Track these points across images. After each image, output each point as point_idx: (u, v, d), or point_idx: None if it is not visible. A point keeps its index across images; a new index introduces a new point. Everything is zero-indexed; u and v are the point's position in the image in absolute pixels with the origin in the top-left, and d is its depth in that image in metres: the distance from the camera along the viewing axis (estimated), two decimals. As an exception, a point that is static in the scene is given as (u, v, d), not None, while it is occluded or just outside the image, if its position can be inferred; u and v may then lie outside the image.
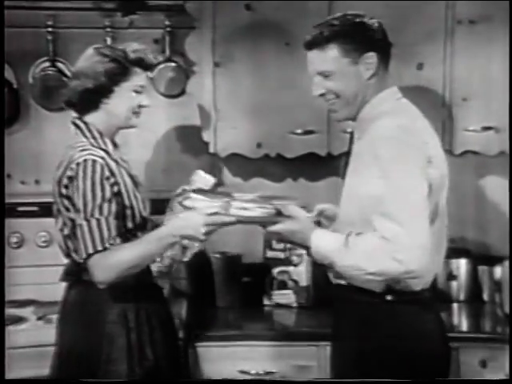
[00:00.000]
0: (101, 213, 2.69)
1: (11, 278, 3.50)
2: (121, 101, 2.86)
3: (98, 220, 2.68)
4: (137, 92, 2.88)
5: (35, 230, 3.69)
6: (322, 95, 2.66)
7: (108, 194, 2.72)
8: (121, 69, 2.83)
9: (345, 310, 2.67)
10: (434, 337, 2.65)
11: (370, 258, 2.47)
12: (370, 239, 2.48)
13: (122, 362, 2.77)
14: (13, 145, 3.69)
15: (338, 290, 2.67)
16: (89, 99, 2.85)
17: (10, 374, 2.86)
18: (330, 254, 2.55)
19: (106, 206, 2.70)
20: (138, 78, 2.88)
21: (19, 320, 3.43)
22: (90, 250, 2.66)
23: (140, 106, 2.91)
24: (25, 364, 3.12)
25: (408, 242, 2.42)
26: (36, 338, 3.19)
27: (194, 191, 2.78)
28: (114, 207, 2.73)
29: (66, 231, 2.81)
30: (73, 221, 2.76)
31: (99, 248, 2.66)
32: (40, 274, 3.56)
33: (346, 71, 2.59)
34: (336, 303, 2.72)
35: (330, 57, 2.59)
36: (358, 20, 2.61)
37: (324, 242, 2.57)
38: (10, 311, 3.43)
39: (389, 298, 2.57)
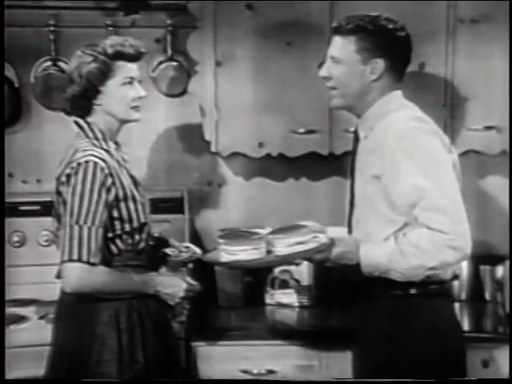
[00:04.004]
0: (93, 222, 2.68)
1: (12, 277, 3.50)
2: (113, 99, 2.82)
3: (90, 228, 2.67)
4: (126, 85, 2.82)
5: (37, 229, 3.68)
6: (325, 78, 2.73)
7: (104, 201, 2.71)
8: (102, 67, 2.79)
9: (368, 306, 2.72)
10: (458, 329, 2.79)
11: (428, 254, 2.55)
12: (421, 236, 2.56)
13: (112, 363, 2.76)
14: (14, 144, 3.70)
15: (361, 286, 2.73)
16: (80, 105, 2.83)
17: (10, 374, 2.86)
18: (384, 263, 2.61)
19: (99, 214, 2.69)
20: (124, 71, 2.82)
21: (20, 319, 3.43)
22: (75, 257, 2.65)
23: (137, 98, 2.86)
24: (26, 363, 3.12)
25: (458, 227, 2.54)
26: (37, 337, 3.18)
27: (221, 241, 2.71)
28: (105, 216, 2.73)
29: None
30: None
31: (84, 258, 2.65)
32: (41, 273, 3.55)
33: (353, 67, 2.67)
34: (359, 299, 2.78)
35: (344, 47, 2.67)
36: (384, 24, 2.67)
37: (375, 255, 2.63)
38: (11, 310, 3.43)
39: (413, 291, 2.64)
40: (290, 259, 2.73)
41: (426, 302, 2.65)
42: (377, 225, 2.66)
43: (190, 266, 3.14)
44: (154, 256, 2.95)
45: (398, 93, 2.74)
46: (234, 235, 2.75)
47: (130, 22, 3.73)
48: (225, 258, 2.68)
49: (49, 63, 3.76)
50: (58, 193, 2.80)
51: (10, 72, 3.74)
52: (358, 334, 2.82)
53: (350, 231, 2.81)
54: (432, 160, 2.58)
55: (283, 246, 2.61)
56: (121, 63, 2.82)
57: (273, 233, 2.69)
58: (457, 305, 3.69)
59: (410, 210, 2.57)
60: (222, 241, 2.72)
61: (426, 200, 2.54)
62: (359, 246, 2.65)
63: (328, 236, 2.66)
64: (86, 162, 2.71)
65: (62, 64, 3.74)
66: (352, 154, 2.78)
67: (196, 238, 3.80)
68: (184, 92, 3.81)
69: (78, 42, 3.53)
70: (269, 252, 2.64)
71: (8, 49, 3.43)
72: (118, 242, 2.81)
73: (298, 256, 2.67)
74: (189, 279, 2.89)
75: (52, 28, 3.72)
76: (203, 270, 3.38)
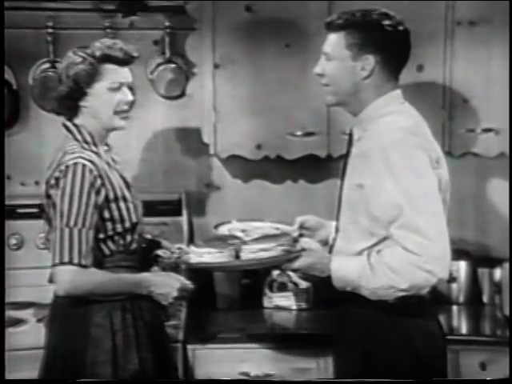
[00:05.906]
0: (83, 224, 2.67)
1: (11, 280, 3.50)
2: (98, 102, 2.80)
3: (80, 231, 2.66)
4: (114, 90, 2.80)
5: (35, 231, 3.67)
6: (318, 75, 2.68)
7: (94, 203, 2.70)
8: (89, 69, 2.77)
9: (347, 313, 2.67)
10: (436, 340, 2.66)
11: (399, 275, 2.47)
12: (395, 255, 2.48)
13: (107, 365, 2.75)
14: (13, 146, 3.69)
15: (340, 293, 2.66)
16: (67, 105, 2.82)
17: (9, 376, 2.85)
18: (354, 279, 2.55)
19: (89, 216, 2.68)
20: (113, 75, 2.79)
21: (19, 322, 3.43)
22: (66, 259, 2.65)
23: (123, 103, 2.83)
24: (23, 366, 3.11)
25: (434, 251, 2.44)
26: (35, 340, 3.17)
27: (196, 245, 2.81)
28: (95, 218, 2.72)
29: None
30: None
31: (75, 261, 2.65)
32: (40, 276, 3.51)
33: (344, 63, 2.61)
34: (338, 306, 2.72)
35: (336, 43, 2.62)
36: (376, 19, 2.60)
37: (346, 269, 2.57)
38: (9, 313, 3.43)
39: (390, 301, 2.56)
40: (254, 265, 2.73)
41: (403, 313, 2.56)
42: (357, 234, 2.59)
43: (183, 267, 3.12)
44: (146, 258, 2.94)
45: (397, 93, 2.66)
46: (211, 239, 2.87)
47: (128, 24, 3.73)
48: (192, 259, 2.75)
49: (47, 65, 3.76)
50: (48, 196, 2.79)
51: (8, 74, 3.74)
52: (336, 341, 2.78)
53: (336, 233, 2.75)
54: (414, 177, 2.47)
55: (247, 252, 2.66)
56: (109, 66, 2.80)
57: (255, 240, 2.74)
58: (455, 307, 3.71)
59: (388, 226, 2.50)
60: (194, 243, 2.84)
61: (402, 218, 2.44)
62: (331, 258, 2.61)
63: (300, 246, 2.64)
64: (75, 164, 2.71)
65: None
66: (345, 156, 2.73)
67: (194, 241, 3.79)
68: (182, 94, 3.82)
69: (76, 43, 3.50)
70: (237, 257, 2.69)
71: (6, 51, 3.42)
72: (109, 243, 2.80)
73: (261, 262, 2.68)
74: (182, 279, 2.88)
75: (50, 30, 3.72)
76: (200, 271, 3.39)
